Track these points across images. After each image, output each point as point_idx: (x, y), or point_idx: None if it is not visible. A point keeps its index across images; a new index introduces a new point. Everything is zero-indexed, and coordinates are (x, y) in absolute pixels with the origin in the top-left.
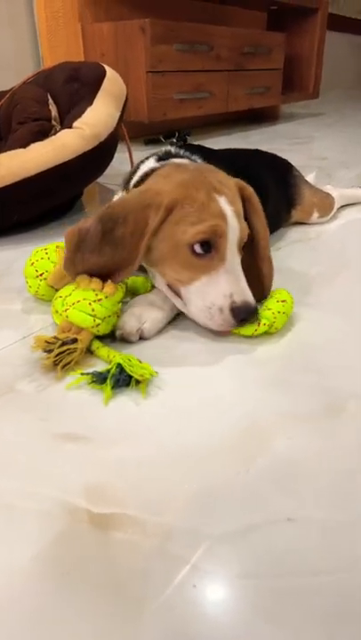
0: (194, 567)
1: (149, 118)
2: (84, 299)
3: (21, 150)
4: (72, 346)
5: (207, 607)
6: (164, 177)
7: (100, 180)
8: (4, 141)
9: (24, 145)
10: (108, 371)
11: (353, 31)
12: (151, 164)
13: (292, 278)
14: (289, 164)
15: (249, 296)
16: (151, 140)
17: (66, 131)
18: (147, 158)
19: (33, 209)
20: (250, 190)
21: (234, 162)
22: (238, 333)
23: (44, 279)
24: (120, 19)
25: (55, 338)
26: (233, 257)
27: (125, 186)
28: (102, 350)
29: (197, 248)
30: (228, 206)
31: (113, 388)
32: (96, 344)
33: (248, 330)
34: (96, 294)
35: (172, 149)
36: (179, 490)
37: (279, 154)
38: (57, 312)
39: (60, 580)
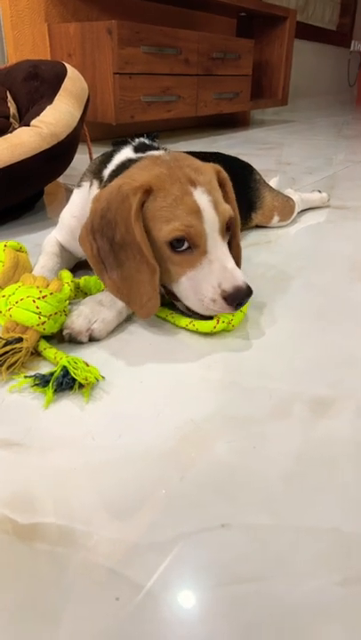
0: (120, 579)
1: (117, 120)
2: (28, 296)
3: None
4: (17, 345)
5: (131, 623)
6: (140, 169)
7: (63, 180)
8: None
9: None
10: (52, 373)
11: (322, 40)
12: (128, 153)
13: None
14: (250, 166)
15: (238, 279)
16: (119, 142)
17: (23, 129)
18: (120, 147)
19: None
20: (224, 174)
21: None
22: (197, 330)
23: None
24: (87, 20)
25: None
26: (215, 245)
27: (98, 176)
28: (50, 351)
29: (175, 245)
30: (206, 196)
31: (55, 391)
32: (43, 345)
33: (206, 326)
34: (40, 291)
35: (147, 140)
36: (111, 498)
37: (247, 158)
38: (0, 312)
39: None
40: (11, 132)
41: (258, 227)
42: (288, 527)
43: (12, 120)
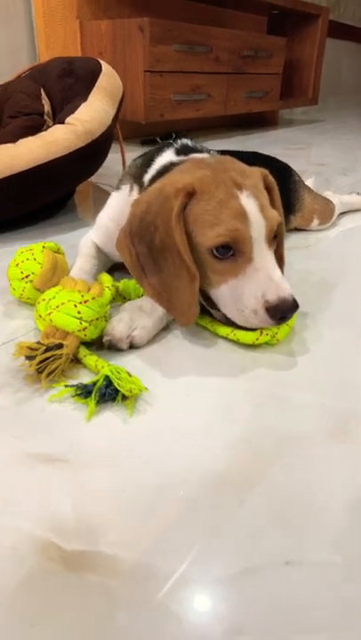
0: (178, 619)
1: (146, 119)
2: (69, 300)
3: (10, 145)
4: (57, 352)
5: None
6: (182, 172)
7: (94, 179)
8: None
9: (14, 140)
10: (94, 383)
11: (353, 38)
12: (170, 156)
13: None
14: (289, 167)
15: (284, 290)
16: (148, 141)
17: (57, 126)
18: (162, 150)
19: (20, 207)
20: (271, 179)
21: None
22: (238, 340)
23: (30, 281)
24: (119, 17)
25: (39, 343)
26: (261, 253)
27: (138, 180)
28: (90, 359)
29: (219, 252)
30: (252, 200)
31: (98, 402)
32: (83, 352)
33: (248, 338)
34: (82, 295)
35: (189, 142)
36: (164, 524)
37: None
38: (40, 317)
39: (27, 635)
40: (45, 129)
41: (297, 229)
42: (359, 567)
43: (46, 117)
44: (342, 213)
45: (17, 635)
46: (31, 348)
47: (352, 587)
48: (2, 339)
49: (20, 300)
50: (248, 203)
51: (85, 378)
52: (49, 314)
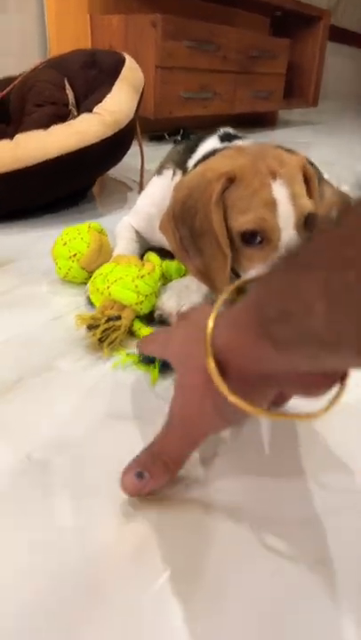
0: None
1: (156, 115)
2: (127, 275)
3: (42, 132)
4: (116, 323)
5: None
6: (224, 157)
7: (109, 171)
8: (17, 124)
9: (42, 127)
10: None
11: (350, 43)
12: (214, 143)
13: None
14: (310, 161)
15: None
16: (156, 137)
17: (87, 115)
18: (205, 138)
19: (49, 193)
20: (309, 169)
21: None
22: None
23: (77, 260)
24: (128, 12)
25: (101, 313)
26: (288, 242)
27: (182, 165)
28: (145, 331)
29: (248, 238)
30: (284, 189)
31: (160, 371)
32: (138, 324)
33: None
34: (139, 270)
35: (231, 131)
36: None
37: None
38: (97, 290)
39: None
40: (71, 118)
41: None
42: None
43: (70, 107)
44: None
45: None
46: (94, 318)
47: None
48: (52, 314)
49: (65, 279)
50: (279, 191)
51: None
52: (107, 287)
